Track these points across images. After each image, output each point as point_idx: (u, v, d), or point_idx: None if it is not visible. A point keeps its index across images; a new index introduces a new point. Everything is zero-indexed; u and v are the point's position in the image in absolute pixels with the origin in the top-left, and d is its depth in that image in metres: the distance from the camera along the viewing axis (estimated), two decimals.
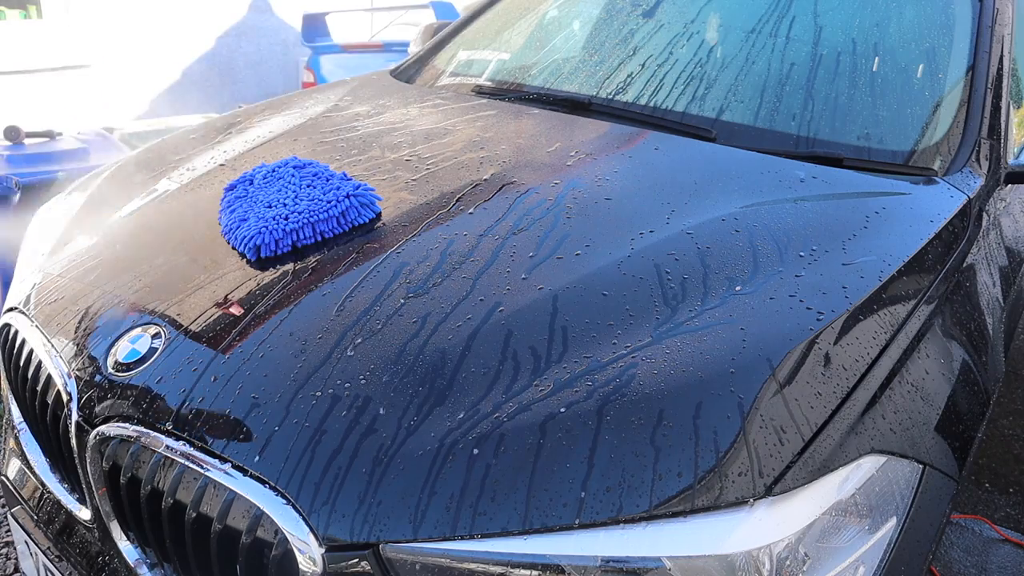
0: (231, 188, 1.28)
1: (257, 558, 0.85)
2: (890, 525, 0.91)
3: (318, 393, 0.88)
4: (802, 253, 1.07)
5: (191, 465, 0.87)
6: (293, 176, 1.27)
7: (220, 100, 6.44)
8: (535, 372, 0.88)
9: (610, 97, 1.67)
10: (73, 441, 1.00)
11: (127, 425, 0.93)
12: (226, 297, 1.04)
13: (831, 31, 1.65)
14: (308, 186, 1.23)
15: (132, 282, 1.12)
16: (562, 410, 0.83)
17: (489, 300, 0.98)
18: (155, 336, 1.00)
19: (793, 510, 0.81)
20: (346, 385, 0.88)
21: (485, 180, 1.28)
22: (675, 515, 0.77)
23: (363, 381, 0.89)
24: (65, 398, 1.01)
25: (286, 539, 0.81)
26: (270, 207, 1.18)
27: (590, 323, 0.94)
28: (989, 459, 2.30)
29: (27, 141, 2.56)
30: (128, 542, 0.99)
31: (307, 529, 0.79)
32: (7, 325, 1.21)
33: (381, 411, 0.85)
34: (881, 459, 0.90)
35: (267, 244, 1.11)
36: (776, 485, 0.80)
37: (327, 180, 1.24)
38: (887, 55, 1.58)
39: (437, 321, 0.95)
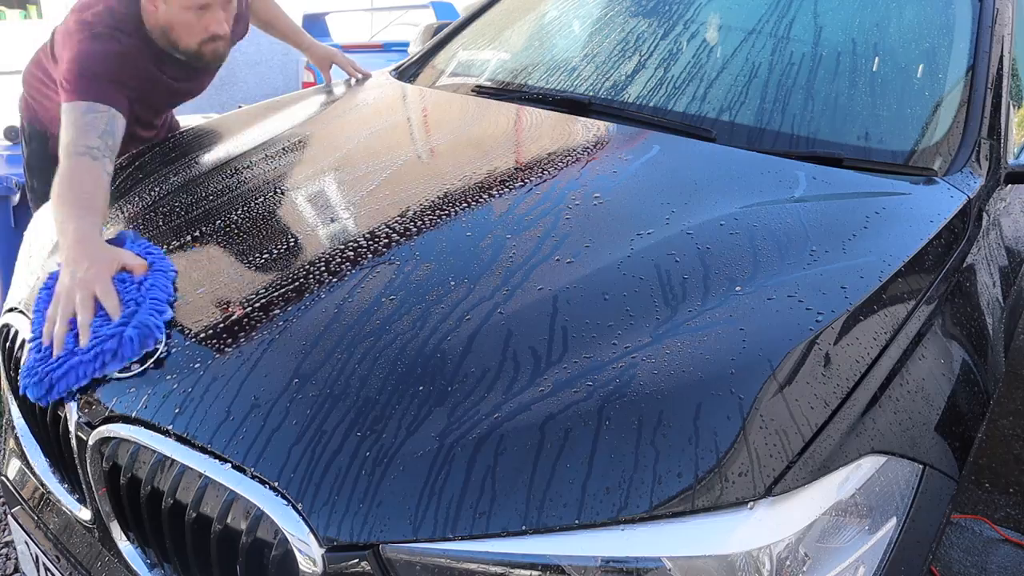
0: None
1: (257, 558, 0.85)
2: (890, 525, 0.91)
3: (318, 393, 0.88)
4: (802, 253, 1.07)
5: (191, 465, 0.87)
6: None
7: (220, 100, 6.44)
8: (535, 372, 0.88)
9: (610, 97, 1.67)
10: (73, 441, 1.00)
11: (127, 425, 0.93)
12: (226, 298, 1.04)
13: (831, 31, 1.65)
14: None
15: None
16: (562, 410, 0.83)
17: (489, 301, 0.98)
18: None
19: (793, 510, 0.81)
20: (346, 385, 0.88)
21: (484, 180, 1.28)
22: (675, 515, 0.77)
23: (363, 381, 0.89)
24: (65, 398, 1.01)
25: (286, 539, 0.81)
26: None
27: (590, 323, 0.94)
28: (989, 459, 2.30)
29: None
30: (128, 542, 0.99)
31: (307, 529, 0.79)
32: (7, 325, 1.21)
33: (381, 411, 0.85)
34: (881, 459, 0.90)
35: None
36: (776, 485, 0.80)
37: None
38: (887, 55, 1.58)
39: (437, 322, 0.95)
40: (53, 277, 1.18)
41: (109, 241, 1.24)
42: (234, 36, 1.87)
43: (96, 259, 1.15)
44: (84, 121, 1.44)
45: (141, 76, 1.63)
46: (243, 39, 1.99)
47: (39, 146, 1.88)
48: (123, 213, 1.35)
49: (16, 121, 2.60)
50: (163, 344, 0.99)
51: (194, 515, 0.87)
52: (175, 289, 1.09)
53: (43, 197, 1.84)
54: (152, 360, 0.98)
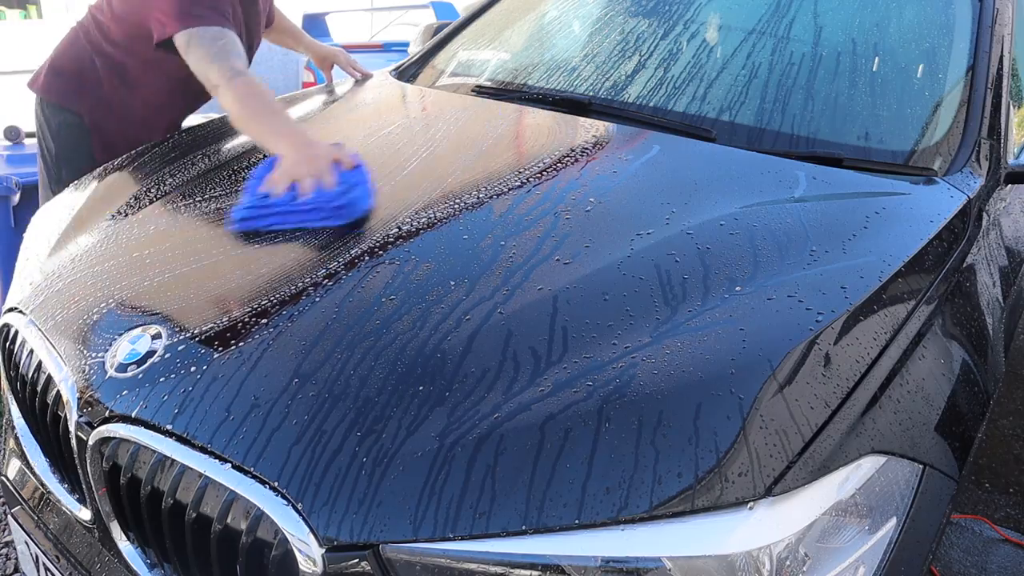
0: None
1: (257, 558, 0.85)
2: (890, 525, 0.91)
3: (318, 393, 0.88)
4: (802, 253, 1.07)
5: (191, 465, 0.87)
6: None
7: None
8: (535, 372, 0.88)
9: (610, 97, 1.67)
10: (73, 441, 1.00)
11: (127, 425, 0.93)
12: (226, 298, 1.04)
13: (831, 31, 1.65)
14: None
15: (132, 282, 1.12)
16: (562, 410, 0.83)
17: (489, 301, 0.98)
18: (155, 336, 1.00)
19: (793, 510, 0.81)
20: (346, 385, 0.88)
21: (484, 180, 1.28)
22: (675, 515, 0.77)
23: (363, 381, 0.89)
24: (65, 398, 1.01)
25: (286, 539, 0.81)
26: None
27: (590, 323, 0.94)
28: (989, 459, 2.30)
29: (27, 141, 2.56)
30: (128, 542, 0.99)
31: (307, 529, 0.79)
32: (7, 325, 1.21)
33: (381, 411, 0.85)
34: (881, 459, 0.90)
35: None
36: (776, 485, 0.80)
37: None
38: (887, 55, 1.58)
39: (437, 322, 0.95)
40: (269, 162, 1.36)
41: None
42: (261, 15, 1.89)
43: (317, 147, 1.34)
44: (218, 47, 1.50)
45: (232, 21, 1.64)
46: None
47: (76, 139, 1.81)
48: (123, 213, 1.35)
49: (15, 121, 2.59)
50: (162, 344, 0.99)
51: (194, 515, 0.87)
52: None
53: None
54: (152, 360, 0.98)
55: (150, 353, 0.98)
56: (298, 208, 1.23)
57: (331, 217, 1.21)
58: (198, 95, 1.87)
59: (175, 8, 1.52)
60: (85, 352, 1.04)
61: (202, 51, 1.50)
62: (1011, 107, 1.58)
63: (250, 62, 1.94)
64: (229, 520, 0.85)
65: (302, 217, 1.22)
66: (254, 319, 0.99)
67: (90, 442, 0.96)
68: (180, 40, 1.53)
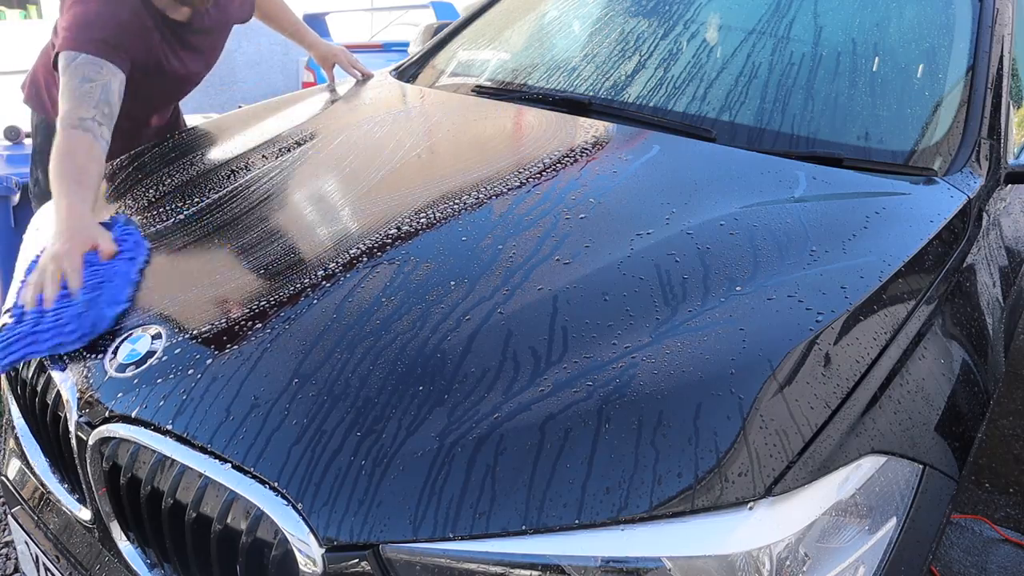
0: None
1: (257, 558, 0.85)
2: (890, 525, 0.91)
3: (318, 393, 0.88)
4: (802, 253, 1.07)
5: (191, 465, 0.87)
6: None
7: (220, 100, 6.44)
8: (535, 372, 0.88)
9: (610, 97, 1.67)
10: (73, 442, 1.00)
11: (127, 425, 0.93)
12: (226, 298, 1.04)
13: (831, 31, 1.65)
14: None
15: None
16: (562, 410, 0.83)
17: (489, 301, 0.98)
18: (155, 337, 1.00)
19: (793, 510, 0.81)
20: (346, 385, 0.88)
21: (484, 180, 1.28)
22: (675, 515, 0.77)
23: (363, 381, 0.89)
24: (65, 398, 1.01)
25: (286, 539, 0.81)
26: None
27: (590, 323, 0.94)
28: (989, 459, 2.30)
29: (27, 141, 2.56)
30: (128, 542, 0.99)
31: (307, 529, 0.79)
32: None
33: (381, 411, 0.85)
34: (881, 459, 0.90)
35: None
36: (776, 485, 0.80)
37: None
38: (887, 55, 1.58)
39: (437, 322, 0.95)
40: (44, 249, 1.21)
41: (103, 222, 1.28)
42: (233, 13, 1.86)
43: (73, 235, 1.19)
44: (81, 91, 1.42)
45: (141, 47, 1.62)
46: (245, 36, 1.99)
47: (44, 140, 1.86)
48: (122, 213, 1.35)
49: (15, 121, 2.60)
50: (162, 344, 0.99)
51: (194, 515, 0.87)
52: (139, 278, 1.13)
53: (47, 193, 1.83)
54: (152, 360, 0.98)
55: (150, 353, 0.98)
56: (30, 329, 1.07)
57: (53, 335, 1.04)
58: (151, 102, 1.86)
59: (69, 28, 1.49)
60: (85, 352, 1.04)
61: (65, 84, 1.42)
62: (1011, 107, 1.58)
63: (182, 97, 1.92)
64: (229, 520, 0.85)
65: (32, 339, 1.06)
66: (254, 319, 0.99)
67: (90, 442, 0.96)
68: (60, 61, 1.48)
